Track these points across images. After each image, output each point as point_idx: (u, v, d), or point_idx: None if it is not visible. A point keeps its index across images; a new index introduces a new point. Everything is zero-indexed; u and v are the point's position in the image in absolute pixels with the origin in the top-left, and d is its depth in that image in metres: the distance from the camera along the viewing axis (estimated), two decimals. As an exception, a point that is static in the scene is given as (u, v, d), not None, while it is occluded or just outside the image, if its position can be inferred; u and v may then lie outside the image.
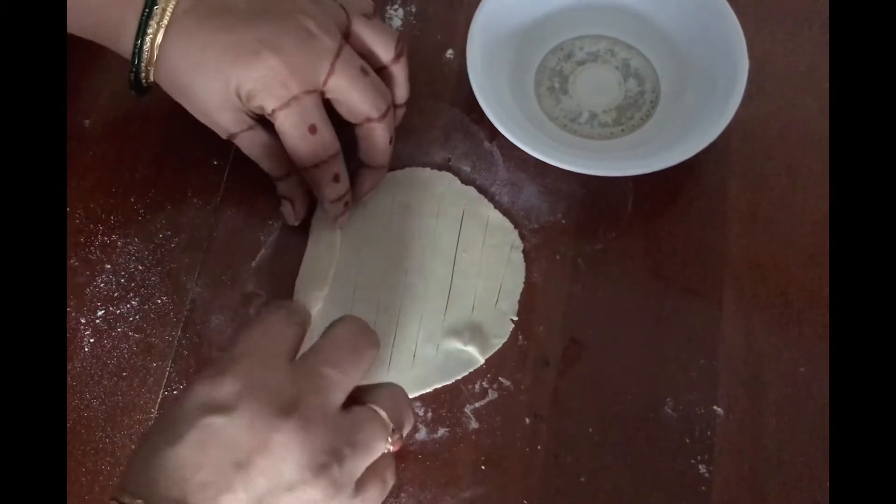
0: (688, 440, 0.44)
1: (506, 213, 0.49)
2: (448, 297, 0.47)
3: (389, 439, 0.36)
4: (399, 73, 0.46)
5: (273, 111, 0.42)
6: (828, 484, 0.43)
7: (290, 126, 0.43)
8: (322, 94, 0.43)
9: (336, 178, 0.45)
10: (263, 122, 0.44)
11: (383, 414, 0.36)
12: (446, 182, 0.50)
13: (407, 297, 0.47)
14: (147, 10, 0.42)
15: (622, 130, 0.50)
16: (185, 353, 0.46)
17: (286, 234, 0.48)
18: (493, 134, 0.49)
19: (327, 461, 0.34)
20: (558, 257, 0.48)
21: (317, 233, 0.48)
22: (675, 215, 0.49)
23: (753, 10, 0.54)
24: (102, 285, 0.47)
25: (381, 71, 0.46)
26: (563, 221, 0.49)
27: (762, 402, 0.44)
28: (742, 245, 0.48)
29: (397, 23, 0.55)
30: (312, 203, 0.48)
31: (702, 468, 0.43)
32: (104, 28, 0.43)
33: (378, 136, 0.45)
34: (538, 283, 0.47)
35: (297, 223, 0.48)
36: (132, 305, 0.47)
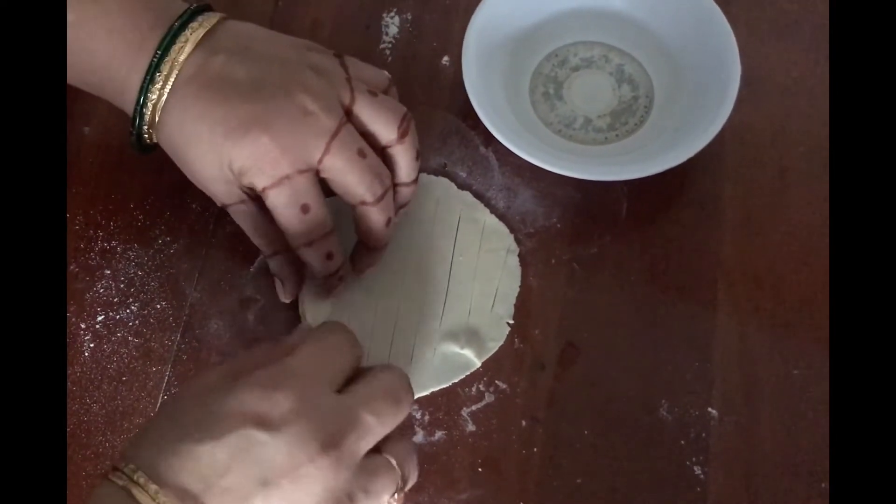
0: (683, 442, 0.44)
1: (501, 217, 0.49)
2: (445, 301, 0.47)
3: (395, 494, 0.37)
4: (401, 154, 0.44)
5: (263, 189, 0.41)
6: (822, 485, 0.43)
7: (281, 205, 0.42)
8: (317, 172, 0.42)
9: (329, 257, 0.44)
10: (255, 196, 0.43)
11: (397, 467, 0.37)
12: (443, 187, 0.50)
13: (404, 301, 0.47)
14: (149, 76, 0.41)
15: (616, 136, 0.51)
16: (185, 357, 0.46)
17: (284, 239, 0.49)
18: (489, 139, 0.50)
19: (343, 502, 0.34)
20: (554, 261, 0.48)
21: None
22: (670, 219, 0.50)
23: (746, 16, 0.54)
24: (102, 291, 0.47)
25: (385, 150, 0.44)
26: (559, 226, 0.49)
27: (757, 404, 0.45)
28: (736, 248, 0.48)
29: (394, 30, 0.55)
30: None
31: (697, 470, 0.43)
32: (109, 86, 0.43)
33: (373, 220, 0.44)
34: (534, 286, 0.48)
35: (288, 300, 0.47)
36: (132, 310, 0.47)
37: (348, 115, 0.43)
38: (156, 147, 0.44)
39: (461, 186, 0.50)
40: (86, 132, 0.52)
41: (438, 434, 0.44)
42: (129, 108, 0.43)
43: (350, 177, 0.42)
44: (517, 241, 0.49)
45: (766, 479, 0.43)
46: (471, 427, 0.44)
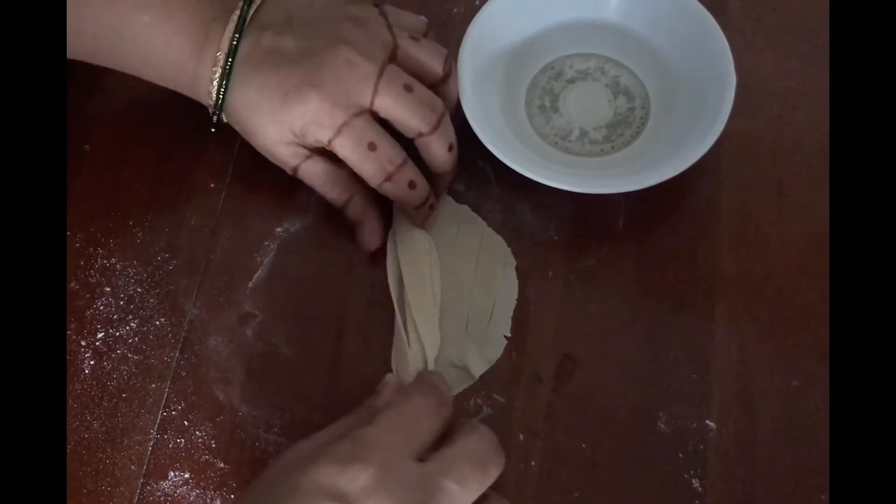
0: (681, 455, 0.44)
1: (499, 230, 0.49)
2: (442, 314, 0.47)
3: None
4: (449, 89, 0.48)
5: (329, 142, 0.44)
6: (822, 497, 0.43)
7: (350, 150, 0.45)
8: (374, 113, 0.45)
9: (412, 185, 0.46)
10: (322, 151, 0.46)
11: None
12: (440, 201, 0.50)
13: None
14: (228, 59, 0.45)
15: (612, 147, 0.51)
16: (184, 374, 0.46)
17: (282, 255, 0.49)
18: (485, 153, 0.50)
19: None
20: (551, 274, 0.48)
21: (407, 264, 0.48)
22: (667, 231, 0.49)
23: (742, 24, 0.54)
24: (102, 308, 0.48)
25: (433, 88, 0.47)
26: (556, 238, 0.49)
27: (755, 416, 0.45)
28: (734, 259, 0.48)
29: (391, 44, 0.55)
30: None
31: (695, 482, 0.43)
32: (182, 79, 0.47)
33: (434, 148, 0.46)
34: (531, 299, 0.48)
35: (374, 247, 0.48)
36: (131, 327, 0.47)
37: (393, 60, 0.45)
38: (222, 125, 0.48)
39: (458, 200, 0.50)
40: (86, 150, 0.52)
41: (436, 448, 0.44)
42: (201, 96, 0.47)
43: (402, 111, 0.45)
44: (514, 253, 0.49)
45: (765, 491, 0.43)
46: (468, 441, 0.44)
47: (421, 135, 0.45)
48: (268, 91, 0.44)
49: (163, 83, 0.48)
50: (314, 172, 0.47)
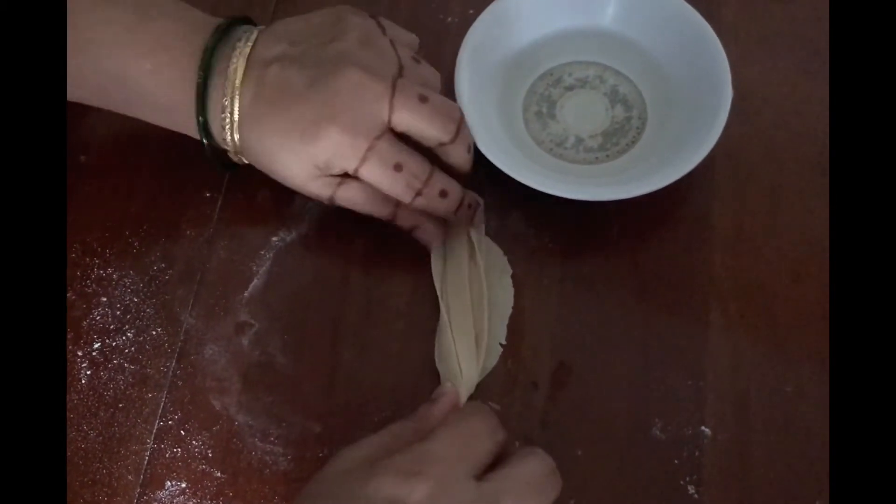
0: (676, 461, 0.44)
1: (493, 238, 0.50)
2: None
3: None
4: None
5: (355, 170, 0.44)
6: (817, 502, 0.43)
7: (377, 175, 0.44)
8: (392, 130, 0.44)
9: (443, 194, 0.45)
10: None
11: None
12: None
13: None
14: (227, 104, 0.44)
15: (607, 156, 0.51)
16: (180, 383, 0.46)
17: (278, 264, 0.49)
18: (481, 159, 0.50)
19: None
20: (546, 281, 0.49)
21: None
22: (661, 238, 0.50)
23: (735, 34, 0.55)
24: (99, 318, 0.48)
25: None
26: (550, 245, 0.49)
27: (750, 422, 0.45)
28: (727, 266, 0.49)
29: (386, 53, 0.55)
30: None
31: (691, 489, 0.43)
32: (191, 125, 0.46)
33: (455, 155, 0.46)
34: (526, 306, 0.48)
35: (439, 244, 0.48)
36: (128, 337, 0.47)
37: (400, 76, 0.44)
38: (238, 166, 0.48)
39: (453, 208, 0.51)
40: (82, 161, 0.52)
41: (432, 456, 0.44)
42: (215, 142, 0.46)
43: (420, 123, 0.44)
44: (509, 261, 0.49)
45: (761, 497, 0.43)
46: (464, 449, 0.45)
47: (442, 144, 0.45)
48: (284, 132, 0.43)
49: (174, 129, 0.47)
50: (352, 196, 0.46)
